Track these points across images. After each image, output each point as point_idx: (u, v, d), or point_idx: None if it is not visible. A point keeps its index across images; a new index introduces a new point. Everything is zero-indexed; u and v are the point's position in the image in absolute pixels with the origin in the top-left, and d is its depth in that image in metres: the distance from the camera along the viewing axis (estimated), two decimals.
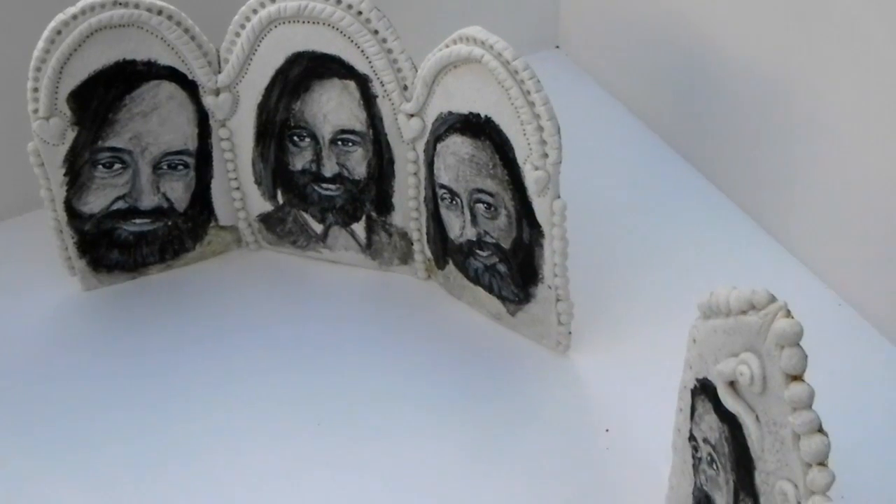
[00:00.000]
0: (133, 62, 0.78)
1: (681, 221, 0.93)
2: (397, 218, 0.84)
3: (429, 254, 0.85)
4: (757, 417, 0.54)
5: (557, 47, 1.18)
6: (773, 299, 0.52)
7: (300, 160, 0.83)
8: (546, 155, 0.71)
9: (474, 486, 0.72)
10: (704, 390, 0.59)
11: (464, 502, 0.71)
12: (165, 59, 0.79)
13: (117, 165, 0.81)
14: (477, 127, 0.74)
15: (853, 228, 0.82)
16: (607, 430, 0.76)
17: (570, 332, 0.79)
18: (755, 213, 0.92)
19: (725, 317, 0.55)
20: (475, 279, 0.82)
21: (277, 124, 0.82)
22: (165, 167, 0.83)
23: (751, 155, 0.91)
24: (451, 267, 0.83)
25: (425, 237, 0.84)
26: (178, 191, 0.84)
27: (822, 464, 0.50)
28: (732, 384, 0.56)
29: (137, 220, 0.84)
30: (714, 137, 0.95)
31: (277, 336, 0.84)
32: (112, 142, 0.80)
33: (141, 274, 0.88)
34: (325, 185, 0.83)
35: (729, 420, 0.57)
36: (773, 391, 0.52)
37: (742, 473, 0.57)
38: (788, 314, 0.51)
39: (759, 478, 0.55)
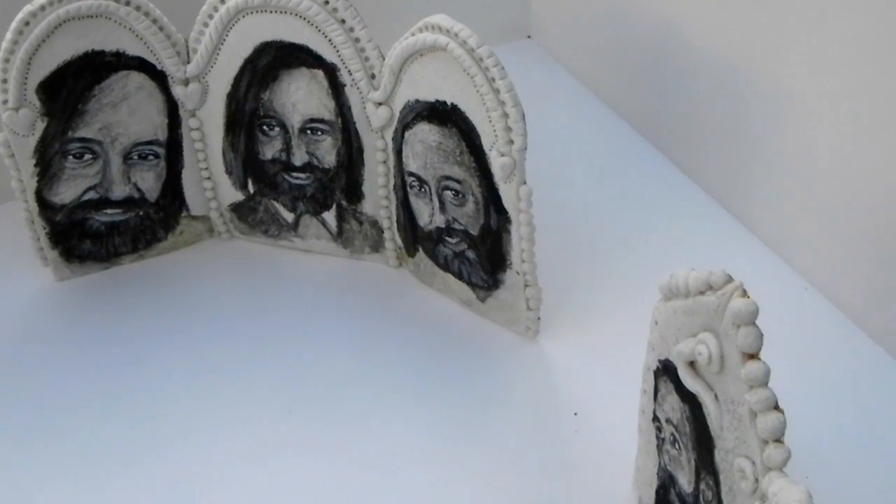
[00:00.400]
0: (102, 53, 0.79)
1: (649, 207, 0.94)
2: (367, 206, 0.84)
3: (399, 242, 0.86)
4: (716, 396, 0.55)
5: (529, 37, 1.18)
6: (729, 280, 0.53)
7: (270, 149, 0.83)
8: (511, 141, 0.71)
9: (444, 470, 0.73)
10: (666, 371, 0.60)
11: (434, 485, 0.72)
12: (134, 49, 0.79)
13: (88, 156, 0.82)
14: (443, 114, 0.74)
15: (819, 213, 0.83)
16: (576, 414, 0.77)
17: (538, 318, 0.80)
18: (724, 199, 0.93)
19: (685, 298, 0.56)
20: (445, 266, 0.82)
21: (247, 114, 0.82)
22: (136, 157, 0.83)
23: (719, 142, 0.92)
24: (421, 254, 0.84)
25: (395, 225, 0.85)
26: (148, 181, 0.84)
27: (779, 440, 0.51)
28: (692, 364, 0.57)
29: (109, 211, 0.85)
30: (682, 125, 0.96)
31: (250, 325, 0.84)
32: (82, 132, 0.81)
33: (114, 264, 0.88)
34: (295, 174, 0.84)
35: (689, 400, 0.58)
36: (731, 370, 0.53)
37: (703, 452, 0.57)
38: (744, 294, 0.52)
39: (718, 456, 0.56)
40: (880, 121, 0.75)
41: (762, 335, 0.51)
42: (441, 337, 0.83)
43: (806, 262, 0.86)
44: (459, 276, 0.82)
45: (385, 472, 0.73)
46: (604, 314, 0.83)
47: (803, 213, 0.85)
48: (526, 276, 0.77)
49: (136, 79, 0.80)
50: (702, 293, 0.54)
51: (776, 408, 0.51)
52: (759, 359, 0.52)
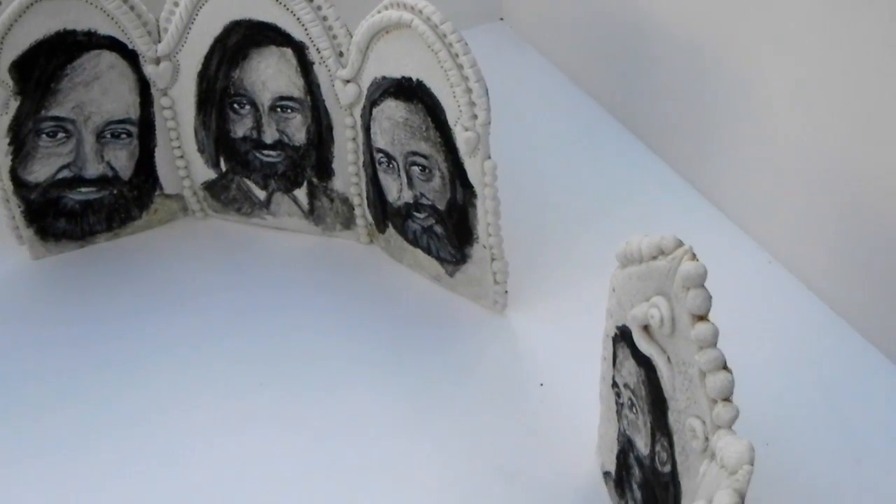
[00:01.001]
0: (74, 32, 0.80)
1: (615, 182, 0.95)
2: (338, 183, 0.86)
3: (370, 218, 0.87)
4: (668, 359, 0.57)
5: (501, 19, 1.20)
6: (680, 244, 0.54)
7: (241, 127, 0.84)
8: (475, 116, 0.72)
9: (413, 439, 0.74)
10: (623, 337, 0.62)
11: (403, 454, 0.73)
12: (105, 28, 0.80)
13: (61, 134, 0.83)
14: (409, 91, 0.75)
15: (783, 188, 0.85)
16: (542, 385, 0.78)
17: (506, 292, 0.81)
18: (690, 175, 0.95)
19: (639, 263, 0.58)
20: (414, 241, 0.84)
21: (218, 92, 0.83)
22: (109, 136, 0.84)
23: (685, 119, 0.93)
24: (391, 230, 0.85)
25: (366, 202, 0.86)
26: (122, 159, 0.86)
27: (727, 399, 0.53)
28: (646, 328, 0.58)
29: (83, 189, 0.86)
30: (650, 103, 0.98)
31: (223, 301, 0.85)
32: (55, 111, 0.82)
33: (89, 242, 0.89)
34: (266, 152, 0.85)
35: (645, 364, 0.59)
36: (682, 332, 0.54)
37: (657, 414, 0.59)
38: (694, 257, 0.54)
39: (671, 417, 0.57)
40: (841, 97, 0.76)
41: (710, 297, 0.53)
42: (411, 312, 0.84)
43: (770, 235, 0.88)
44: (428, 251, 0.83)
45: (354, 441, 0.74)
46: (570, 287, 0.85)
47: (767, 187, 0.86)
48: (492, 249, 0.78)
49: (108, 58, 0.81)
50: (654, 258, 0.56)
51: (725, 368, 0.53)
52: (708, 320, 0.53)
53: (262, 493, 0.71)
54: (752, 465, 0.47)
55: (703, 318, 0.53)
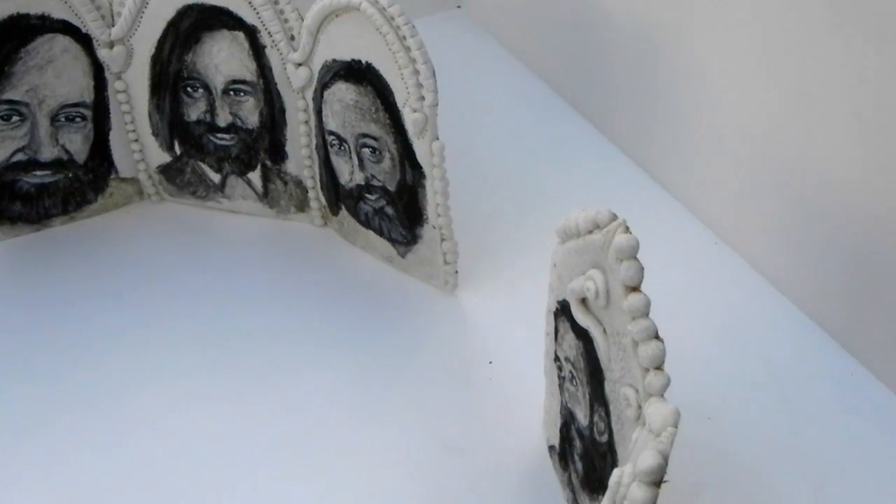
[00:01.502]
0: (27, 16, 0.80)
1: (567, 165, 0.97)
2: (291, 166, 0.87)
3: (323, 201, 0.88)
4: (604, 330, 0.58)
5: (459, 7, 1.21)
6: (614, 217, 0.56)
7: (195, 111, 0.85)
8: (423, 98, 0.74)
9: (363, 415, 0.76)
10: (564, 311, 0.63)
11: (356, 429, 0.75)
12: (59, 12, 0.81)
13: (15, 118, 0.83)
14: (359, 73, 0.77)
15: (730, 170, 0.86)
16: (490, 363, 0.79)
17: (456, 272, 0.83)
18: (641, 159, 0.97)
19: (576, 238, 0.59)
20: (366, 223, 0.85)
21: (171, 76, 0.84)
22: (63, 119, 0.85)
23: (637, 105, 0.95)
24: (344, 212, 0.86)
25: (319, 184, 0.87)
26: (76, 143, 0.86)
27: (659, 368, 0.54)
28: (583, 301, 0.59)
29: (38, 172, 0.86)
30: (604, 90, 0.99)
31: (178, 284, 0.86)
32: (9, 94, 0.82)
33: (44, 226, 0.90)
34: (219, 135, 0.86)
35: (583, 336, 0.61)
36: (616, 303, 0.56)
37: (595, 385, 0.60)
38: (627, 230, 0.55)
39: (608, 387, 0.59)
40: (784, 80, 0.78)
41: (643, 268, 0.54)
42: (363, 292, 0.85)
43: (717, 217, 0.90)
44: (380, 233, 0.84)
45: (306, 417, 0.76)
46: (520, 266, 0.86)
47: (714, 169, 0.88)
48: (442, 230, 0.80)
49: (62, 42, 0.82)
50: (590, 232, 0.57)
51: (656, 337, 0.54)
52: (640, 291, 0.54)
53: (216, 470, 0.72)
54: (676, 427, 0.49)
55: (635, 289, 0.54)
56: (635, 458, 0.50)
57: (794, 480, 0.71)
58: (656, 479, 0.46)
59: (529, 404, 0.75)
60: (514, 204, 0.92)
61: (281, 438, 0.74)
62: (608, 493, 0.50)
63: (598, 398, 0.60)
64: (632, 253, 0.54)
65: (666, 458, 0.47)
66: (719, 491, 0.71)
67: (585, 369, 0.61)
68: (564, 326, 0.64)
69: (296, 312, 0.83)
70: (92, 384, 0.78)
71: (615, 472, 0.50)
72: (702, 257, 0.88)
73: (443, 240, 0.80)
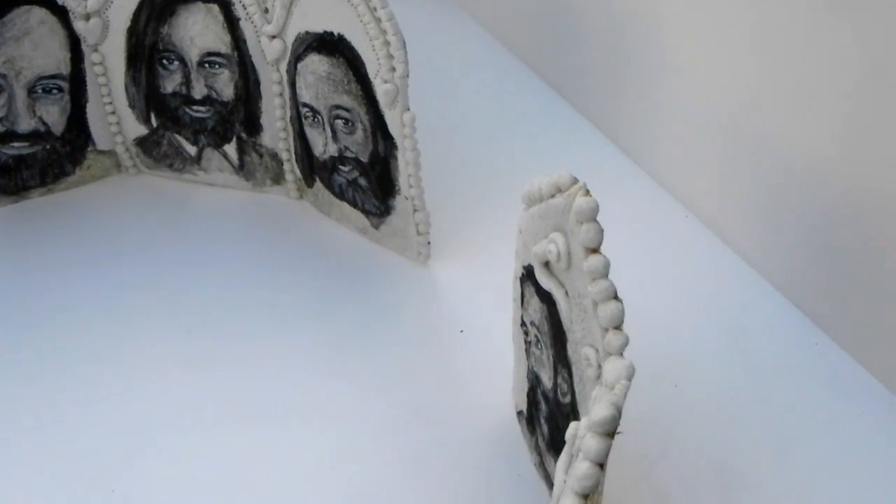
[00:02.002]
0: None
1: (538, 138, 0.98)
2: (266, 138, 0.88)
3: (298, 173, 0.89)
4: (566, 292, 0.59)
5: None
6: (575, 181, 0.57)
7: (170, 83, 0.86)
8: (394, 69, 0.75)
9: (337, 383, 0.77)
10: (529, 276, 0.64)
11: (327, 396, 0.76)
12: None
13: None
14: (331, 45, 0.77)
15: (700, 144, 0.88)
16: (462, 331, 0.81)
17: (428, 243, 0.84)
18: (612, 133, 0.98)
19: (540, 203, 0.60)
20: (340, 195, 0.86)
21: (147, 48, 0.85)
22: (40, 91, 0.86)
23: (608, 79, 0.96)
24: (318, 184, 0.87)
25: (294, 156, 0.88)
26: (53, 114, 0.87)
27: (618, 328, 0.55)
28: (546, 264, 0.61)
29: (16, 144, 0.87)
30: (574, 63, 1.00)
31: (155, 254, 0.87)
32: None
33: (22, 198, 0.91)
34: (195, 108, 0.87)
35: (547, 300, 0.62)
36: (577, 265, 0.57)
37: (558, 347, 0.62)
38: (587, 193, 0.56)
39: (570, 349, 0.60)
40: (752, 52, 0.79)
41: (602, 230, 0.55)
42: (337, 264, 0.86)
43: (686, 190, 0.91)
44: (354, 204, 0.85)
45: (280, 384, 0.77)
46: (493, 237, 0.87)
47: (686, 143, 0.89)
48: (414, 201, 0.81)
49: (38, 13, 0.83)
50: (552, 196, 0.58)
51: (615, 298, 0.55)
52: (599, 252, 0.55)
53: (190, 432, 0.73)
54: (630, 380, 0.50)
55: (595, 250, 0.55)
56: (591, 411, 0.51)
57: (758, 445, 0.73)
58: (609, 430, 0.47)
59: (499, 372, 0.76)
60: (486, 176, 0.93)
61: (253, 402, 0.75)
62: (566, 447, 0.52)
63: (562, 360, 0.61)
64: (591, 215, 0.55)
65: (619, 410, 0.48)
66: (684, 455, 0.72)
67: (549, 332, 0.63)
68: (530, 291, 0.65)
69: (270, 282, 0.84)
70: (68, 351, 0.79)
71: (571, 425, 0.51)
72: (671, 230, 0.90)
73: (415, 210, 0.81)
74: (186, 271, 0.86)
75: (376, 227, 0.85)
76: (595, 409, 0.48)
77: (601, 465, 0.47)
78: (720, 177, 0.86)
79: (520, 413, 0.73)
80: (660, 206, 0.92)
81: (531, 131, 0.99)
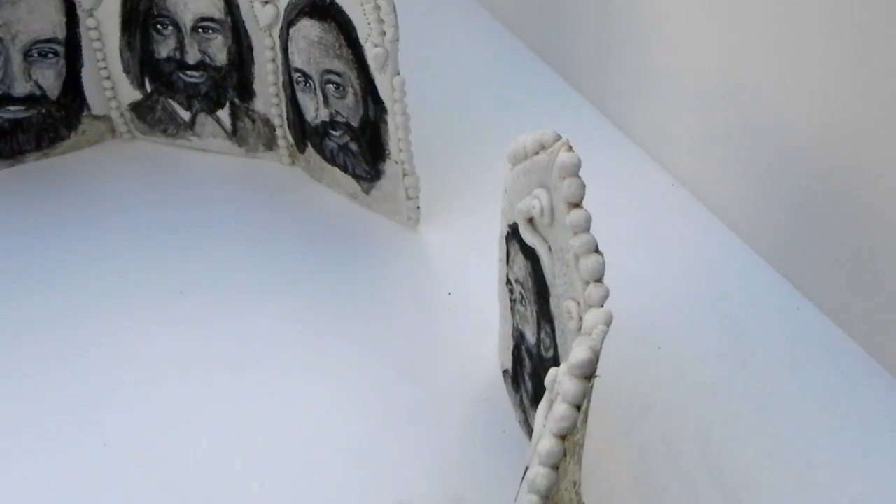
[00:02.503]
0: None
1: (527, 106, 0.99)
2: (259, 104, 0.89)
3: (290, 139, 0.90)
4: (549, 248, 0.61)
5: None
6: (558, 137, 0.58)
7: (164, 48, 0.87)
8: (384, 33, 0.76)
9: (327, 342, 0.78)
10: (514, 234, 0.65)
11: (317, 355, 0.77)
12: None
13: None
14: (323, 10, 0.79)
15: (687, 113, 0.89)
16: (449, 294, 0.82)
17: (418, 207, 0.85)
18: (599, 101, 0.99)
19: (524, 160, 0.61)
20: (331, 160, 0.87)
21: (141, 13, 0.86)
22: (36, 55, 0.87)
23: (597, 49, 0.97)
24: (310, 150, 0.89)
25: (286, 122, 0.89)
26: (49, 78, 0.88)
27: (598, 280, 0.56)
28: (531, 220, 0.62)
29: (12, 108, 0.88)
30: (562, 32, 1.01)
31: (148, 218, 0.88)
32: None
33: (18, 161, 0.92)
34: (189, 73, 0.88)
35: (531, 256, 0.63)
36: (559, 220, 0.58)
37: (541, 303, 0.63)
38: (570, 149, 0.57)
39: (553, 303, 0.61)
40: (745, 20, 0.80)
41: (584, 185, 0.57)
42: (328, 228, 0.88)
43: (674, 159, 0.92)
44: (345, 169, 0.87)
45: (270, 344, 0.78)
46: (481, 202, 0.88)
47: (673, 112, 0.90)
48: (404, 164, 0.82)
49: None
50: (536, 153, 0.60)
51: (596, 251, 0.56)
52: (581, 207, 0.57)
53: (180, 390, 0.75)
54: (608, 326, 0.51)
55: (577, 205, 0.57)
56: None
57: (738, 405, 0.74)
58: (587, 373, 0.49)
59: (485, 333, 0.77)
60: (474, 143, 0.95)
61: (243, 359, 0.77)
62: (546, 394, 0.53)
63: (545, 315, 0.63)
64: (573, 170, 0.56)
65: (596, 353, 0.49)
66: (667, 414, 0.74)
67: (533, 288, 0.64)
68: (515, 249, 0.66)
69: (262, 246, 0.86)
70: (63, 307, 0.80)
71: (551, 371, 0.53)
72: (658, 198, 0.91)
73: (405, 174, 0.83)
74: (179, 233, 0.87)
75: (367, 191, 0.87)
76: (573, 352, 0.49)
77: (578, 407, 0.49)
78: (707, 147, 0.88)
79: (505, 372, 0.74)
80: (647, 174, 0.93)
81: (520, 100, 1.01)
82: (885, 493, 0.69)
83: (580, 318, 0.57)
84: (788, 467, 0.70)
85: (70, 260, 0.84)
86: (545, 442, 0.48)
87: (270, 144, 0.91)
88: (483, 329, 0.78)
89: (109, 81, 0.90)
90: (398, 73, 0.77)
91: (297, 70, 0.83)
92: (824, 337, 0.80)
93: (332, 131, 0.84)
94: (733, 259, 0.86)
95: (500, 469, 0.69)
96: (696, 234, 0.88)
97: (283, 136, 0.90)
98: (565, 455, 0.50)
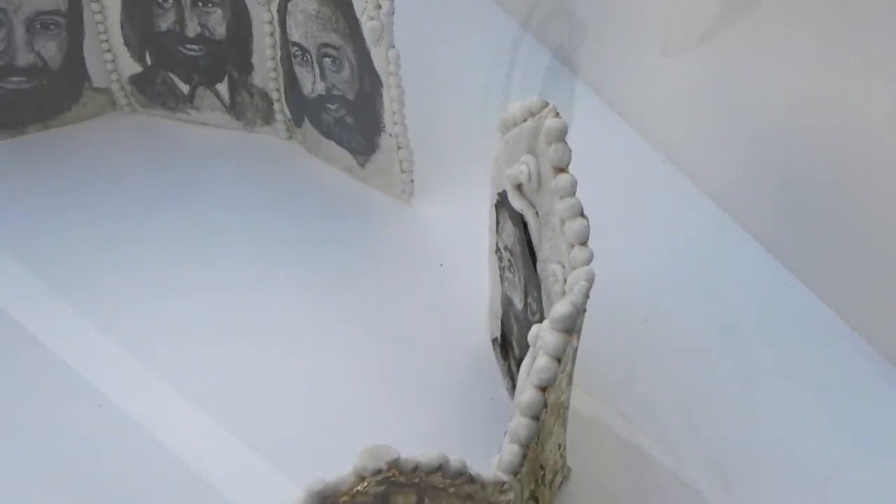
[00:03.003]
0: None
1: (520, 83, 1.01)
2: (257, 78, 0.90)
3: (288, 113, 0.91)
4: (536, 213, 0.62)
5: None
6: (545, 104, 0.60)
7: (164, 21, 0.88)
8: (380, 6, 0.77)
9: (319, 311, 0.80)
10: (503, 202, 0.67)
11: (309, 324, 0.79)
12: None
13: None
14: None
15: (678, 91, 0.90)
16: (441, 265, 0.83)
17: (412, 181, 0.86)
18: (591, 81, 1.00)
19: (513, 128, 0.63)
20: (328, 133, 0.88)
21: None
22: (38, 26, 0.88)
23: (587, 27, 0.98)
24: (307, 124, 0.90)
25: (284, 97, 0.90)
26: (51, 50, 0.89)
27: (583, 243, 0.58)
28: (519, 186, 0.63)
29: (14, 79, 0.89)
30: (552, 7, 1.02)
31: (147, 189, 0.89)
32: None
33: (19, 132, 0.93)
34: (188, 46, 0.89)
35: (520, 222, 0.64)
36: (546, 185, 0.60)
37: (529, 268, 0.64)
38: (557, 115, 0.59)
39: (539, 267, 0.63)
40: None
41: (570, 150, 0.58)
42: (323, 201, 0.89)
43: (664, 137, 0.93)
44: (341, 143, 0.88)
45: (264, 311, 0.79)
46: (475, 176, 0.89)
47: (663, 90, 0.91)
48: (398, 137, 0.83)
49: None
50: (525, 120, 0.61)
51: (581, 215, 0.58)
52: (567, 172, 0.58)
53: (177, 354, 0.76)
54: (589, 283, 0.53)
55: (563, 169, 0.58)
56: None
57: (724, 377, 0.76)
58: (567, 327, 0.50)
59: (475, 304, 0.79)
60: (469, 120, 0.96)
61: (239, 326, 0.78)
62: (529, 350, 0.55)
63: (532, 280, 0.64)
64: (560, 136, 0.58)
65: (577, 308, 0.51)
66: (652, 384, 0.75)
67: (521, 254, 0.65)
68: (504, 216, 0.67)
69: (258, 217, 0.87)
70: (63, 274, 0.82)
71: (533, 328, 0.54)
72: (648, 176, 0.92)
73: (399, 148, 0.84)
74: (177, 205, 0.88)
75: (362, 165, 0.88)
76: (555, 307, 0.50)
77: (559, 360, 0.50)
78: (698, 125, 0.89)
79: (494, 340, 0.75)
80: (638, 153, 0.94)
81: (514, 77, 1.02)
82: (868, 460, 0.71)
83: (565, 281, 0.58)
84: (772, 436, 0.72)
85: (69, 229, 0.86)
86: (527, 393, 0.50)
87: (268, 118, 0.92)
88: (474, 300, 0.79)
89: (110, 54, 0.91)
90: (393, 47, 0.79)
91: (295, 44, 0.84)
92: (809, 312, 0.81)
93: (328, 105, 0.86)
94: (722, 237, 0.87)
95: (487, 434, 0.70)
96: (685, 212, 0.89)
97: (281, 109, 0.91)
98: (547, 409, 0.51)
